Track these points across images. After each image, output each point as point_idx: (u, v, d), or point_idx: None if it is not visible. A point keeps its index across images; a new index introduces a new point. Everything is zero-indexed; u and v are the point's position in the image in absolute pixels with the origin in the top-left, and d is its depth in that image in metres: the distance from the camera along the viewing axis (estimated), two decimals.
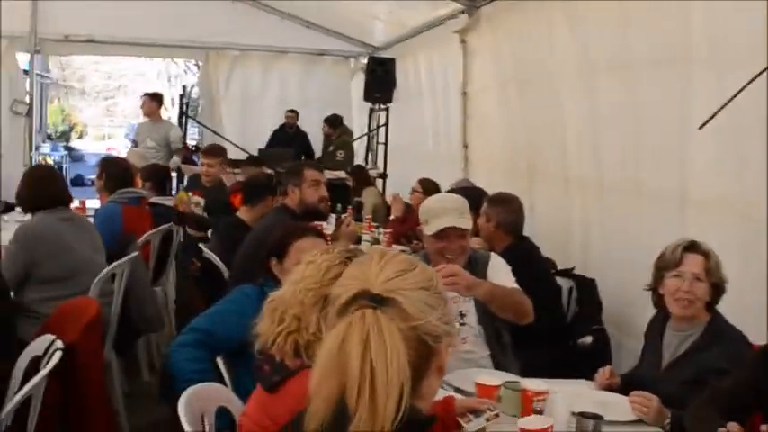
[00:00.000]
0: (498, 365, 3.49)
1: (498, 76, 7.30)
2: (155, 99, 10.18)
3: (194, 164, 10.08)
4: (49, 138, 23.58)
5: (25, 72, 11.53)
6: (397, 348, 1.38)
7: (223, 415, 2.65)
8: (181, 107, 11.61)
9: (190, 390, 2.53)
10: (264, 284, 3.13)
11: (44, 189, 4.48)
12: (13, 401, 2.49)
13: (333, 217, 6.39)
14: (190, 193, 6.62)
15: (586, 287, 5.00)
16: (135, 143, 10.02)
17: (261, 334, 2.32)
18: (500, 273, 3.62)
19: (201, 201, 6.37)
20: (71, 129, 34.19)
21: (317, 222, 4.64)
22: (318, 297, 2.25)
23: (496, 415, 2.55)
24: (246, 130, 11.47)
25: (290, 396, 2.12)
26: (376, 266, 1.51)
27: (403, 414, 1.35)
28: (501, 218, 4.76)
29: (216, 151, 7.46)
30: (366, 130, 11.35)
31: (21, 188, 4.55)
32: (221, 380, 3.00)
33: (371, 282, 1.47)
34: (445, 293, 1.57)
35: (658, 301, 3.23)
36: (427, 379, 1.50)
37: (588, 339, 4.67)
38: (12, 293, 3.91)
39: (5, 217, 6.96)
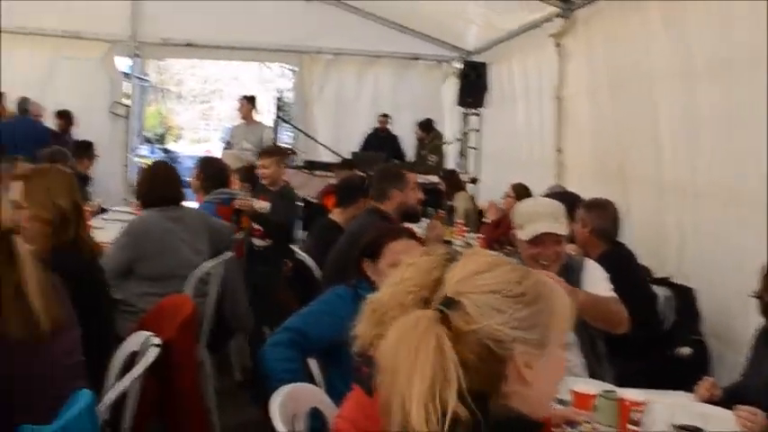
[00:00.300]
0: (593, 374, 3.38)
1: (593, 80, 7.15)
2: (250, 101, 10.34)
3: (289, 168, 10.17)
4: (147, 140, 24.19)
5: (125, 75, 11.86)
6: (430, 351, 1.39)
7: (315, 416, 2.62)
8: (276, 111, 11.77)
9: (283, 390, 2.51)
10: (358, 286, 3.10)
11: (158, 186, 4.58)
12: (110, 396, 2.52)
13: (423, 221, 6.36)
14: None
15: (684, 296, 4.84)
16: (229, 145, 10.18)
17: (359, 336, 2.28)
18: (596, 280, 3.50)
19: (267, 205, 6.04)
20: (168, 131, 35.01)
21: (408, 225, 4.61)
22: (418, 299, 2.19)
23: (593, 429, 2.46)
24: (340, 134, 11.53)
25: None
26: (459, 267, 1.48)
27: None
28: (596, 223, 4.64)
29: (270, 151, 6.98)
30: (458, 135, 11.28)
31: (138, 182, 4.79)
32: (311, 381, 2.98)
33: (448, 282, 1.45)
34: (537, 297, 1.51)
35: (766, 309, 3.08)
36: (508, 384, 1.46)
37: (686, 350, 4.52)
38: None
39: (104, 216, 7.15)
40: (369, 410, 2.17)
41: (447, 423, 1.35)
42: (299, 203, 6.86)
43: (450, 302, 1.43)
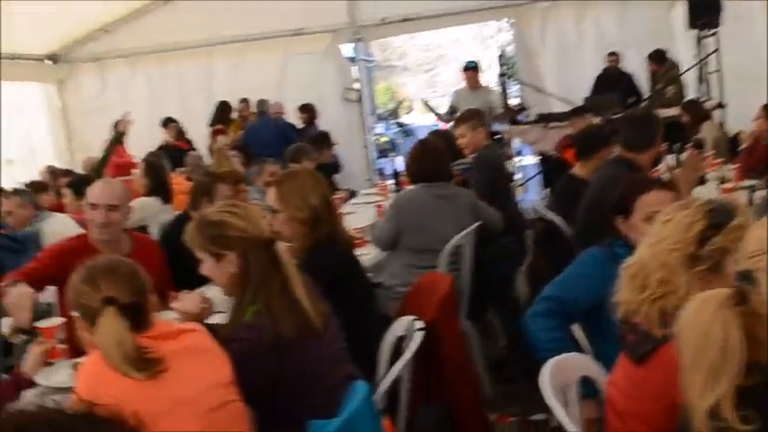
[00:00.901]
0: None
1: None
2: (473, 70, 10.33)
3: (522, 124, 10.06)
4: (381, 117, 24.79)
5: (351, 60, 12.22)
6: (717, 336, 1.36)
7: (586, 384, 2.58)
8: (500, 68, 11.62)
9: (551, 362, 2.48)
10: (612, 245, 3.00)
11: (424, 162, 4.71)
12: (384, 384, 2.62)
13: (668, 158, 6.05)
14: None
15: None
16: (453, 110, 10.19)
17: (622, 302, 2.20)
18: None
19: None
20: (399, 105, 35.72)
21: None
22: (684, 257, 2.08)
23: None
24: (568, 81, 11.17)
25: (661, 367, 1.99)
26: (752, 236, 1.38)
27: None
28: None
29: (461, 118, 6.18)
30: (694, 61, 10.60)
31: (407, 159, 4.91)
32: (576, 348, 2.93)
33: (742, 255, 1.36)
34: None
35: None
36: None
37: None
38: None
39: (352, 200, 7.43)
40: (638, 380, 2.10)
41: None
42: (503, 163, 6.46)
43: (746, 276, 1.34)
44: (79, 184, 6.21)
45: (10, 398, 2.90)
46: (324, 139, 8.65)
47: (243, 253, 2.61)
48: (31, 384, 2.93)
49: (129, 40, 11.90)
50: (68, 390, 2.84)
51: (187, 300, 3.12)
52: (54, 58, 12.29)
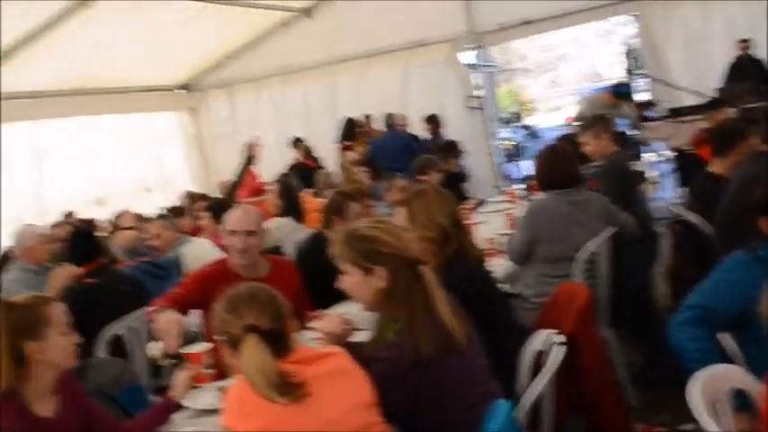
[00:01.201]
0: None
1: None
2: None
3: (652, 120, 9.77)
4: (505, 121, 24.61)
5: (471, 67, 12.18)
6: None
7: (738, 397, 2.47)
8: (625, 63, 11.34)
9: (699, 375, 2.39)
10: (757, 247, 2.86)
11: (554, 168, 4.62)
12: (526, 401, 2.58)
13: None
14: None
15: None
16: (582, 117, 9.97)
17: None
18: None
19: None
20: (522, 108, 35.40)
21: None
22: None
23: None
24: (697, 73, 10.75)
25: None
26: None
27: None
28: None
29: (585, 125, 5.98)
30: None
31: (536, 165, 4.79)
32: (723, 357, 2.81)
33: None
34: None
35: None
36: None
37: None
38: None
39: (481, 209, 7.37)
40: None
41: None
42: (631, 168, 6.16)
43: None
44: (216, 208, 6.43)
45: (162, 420, 3.03)
46: (451, 149, 8.61)
47: (392, 269, 2.66)
48: (180, 407, 3.05)
49: (254, 64, 12.31)
50: (214, 412, 2.94)
51: (329, 320, 3.17)
52: (185, 87, 12.82)
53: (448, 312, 2.60)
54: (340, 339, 2.97)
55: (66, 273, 5.15)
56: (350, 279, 2.75)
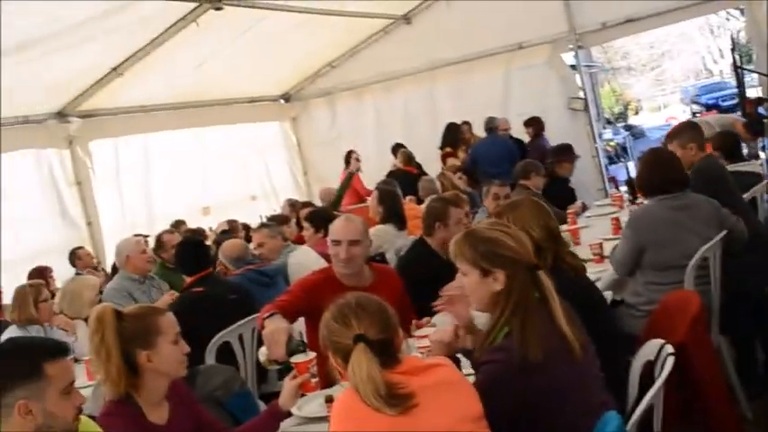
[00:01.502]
0: None
1: None
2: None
3: (762, 117, 9.42)
4: (608, 122, 24.17)
5: (573, 67, 11.99)
6: None
7: None
8: (733, 58, 10.96)
9: None
10: None
11: (654, 173, 4.50)
12: (636, 413, 2.52)
13: None
14: None
15: None
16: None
17: None
18: None
19: None
20: (626, 107, 34.69)
21: None
22: None
23: None
24: None
25: None
26: None
27: None
28: None
29: (671, 135, 5.51)
30: None
31: (638, 171, 4.68)
32: None
33: None
34: None
35: None
36: None
37: None
38: None
39: (586, 214, 7.24)
40: None
41: None
42: (725, 173, 5.79)
43: None
44: (317, 218, 6.51)
45: (271, 428, 3.09)
46: (565, 152, 8.26)
47: (509, 273, 2.66)
48: (288, 415, 3.10)
49: (354, 72, 12.43)
50: (320, 420, 2.98)
51: (441, 330, 3.15)
52: (287, 97, 13.04)
53: (564, 320, 2.60)
54: (451, 348, 2.95)
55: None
56: (467, 279, 2.76)
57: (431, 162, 11.04)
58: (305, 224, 6.76)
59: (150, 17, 8.36)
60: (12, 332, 5.10)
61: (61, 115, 9.31)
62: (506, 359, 2.51)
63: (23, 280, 6.55)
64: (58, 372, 2.33)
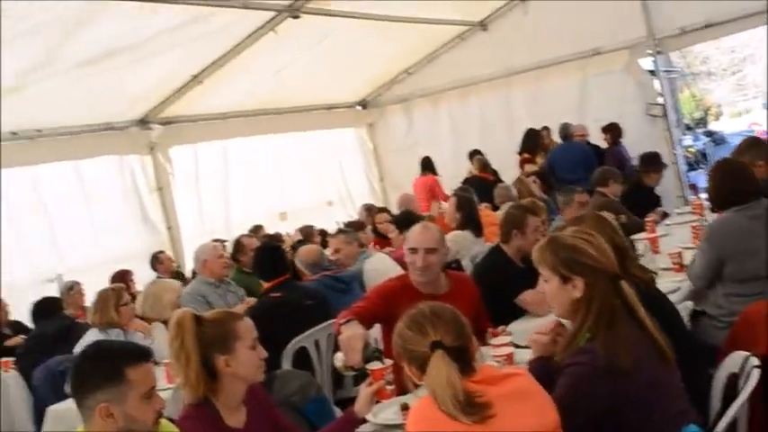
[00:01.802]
0: None
1: None
2: None
3: None
4: (688, 128, 23.64)
5: (651, 73, 11.77)
6: None
7: None
8: None
9: None
10: None
11: (725, 184, 4.40)
12: (719, 426, 2.47)
13: None
14: None
15: None
16: None
17: None
18: None
19: None
20: (706, 113, 33.88)
21: None
22: None
23: None
24: None
25: None
26: None
27: None
28: None
29: (737, 151, 5.47)
30: None
31: (710, 182, 4.57)
32: None
33: None
34: None
35: None
36: None
37: None
38: None
39: (665, 222, 7.08)
40: None
41: None
42: None
43: None
44: (403, 221, 6.55)
45: None
46: (654, 161, 7.95)
47: (589, 281, 2.65)
48: (363, 422, 3.11)
49: (430, 78, 12.45)
50: (395, 427, 2.99)
51: (543, 327, 3.11)
52: (364, 103, 13.14)
53: (652, 327, 2.61)
54: (548, 348, 2.92)
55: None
56: (548, 285, 2.77)
57: (507, 169, 10.99)
58: (390, 227, 6.78)
59: (229, 26, 8.52)
60: (92, 335, 5.20)
61: (143, 122, 9.56)
62: (591, 361, 2.51)
63: (106, 283, 6.74)
64: (140, 376, 2.39)
